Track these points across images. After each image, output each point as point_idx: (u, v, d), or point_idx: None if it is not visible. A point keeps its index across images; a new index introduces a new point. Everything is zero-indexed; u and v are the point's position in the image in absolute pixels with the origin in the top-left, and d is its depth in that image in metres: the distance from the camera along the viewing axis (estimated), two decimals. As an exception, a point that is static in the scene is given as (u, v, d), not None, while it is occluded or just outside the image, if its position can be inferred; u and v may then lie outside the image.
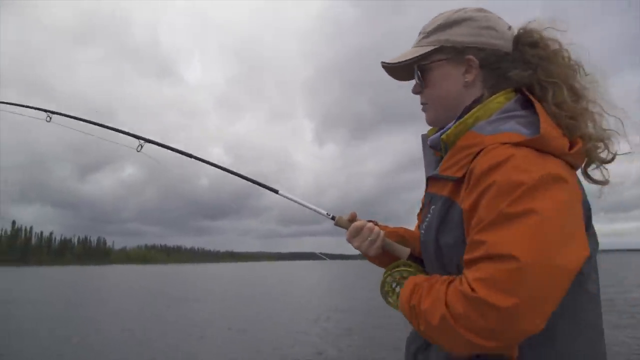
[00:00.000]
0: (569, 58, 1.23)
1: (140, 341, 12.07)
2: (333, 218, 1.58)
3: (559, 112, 1.15)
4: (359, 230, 1.48)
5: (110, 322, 15.75)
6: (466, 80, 1.27)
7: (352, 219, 1.53)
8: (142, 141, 2.08)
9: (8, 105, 2.49)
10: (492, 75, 1.26)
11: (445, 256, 1.17)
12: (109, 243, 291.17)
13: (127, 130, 2.12)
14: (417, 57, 1.32)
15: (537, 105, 1.16)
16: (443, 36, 1.28)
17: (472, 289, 0.96)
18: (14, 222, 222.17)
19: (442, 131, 1.28)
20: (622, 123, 1.20)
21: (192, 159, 2.05)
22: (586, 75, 1.23)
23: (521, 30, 1.28)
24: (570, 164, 1.11)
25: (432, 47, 1.29)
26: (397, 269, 1.38)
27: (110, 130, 2.20)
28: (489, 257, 0.97)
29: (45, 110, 2.34)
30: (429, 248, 1.23)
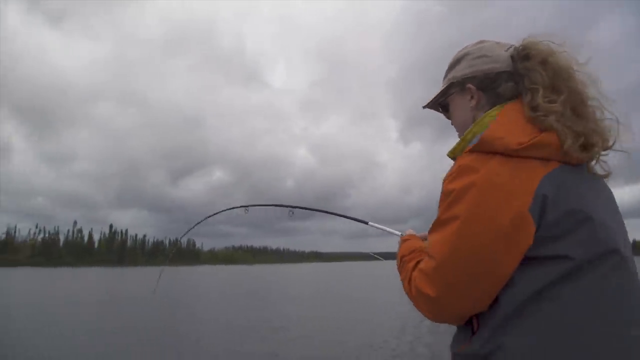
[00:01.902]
0: (558, 63, 1.26)
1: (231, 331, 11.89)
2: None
3: (535, 115, 1.19)
4: None
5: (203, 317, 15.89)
6: (471, 105, 1.40)
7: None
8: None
9: (257, 207, 2.75)
10: (491, 94, 1.37)
11: None
12: (198, 244, 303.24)
13: (353, 216, 2.30)
14: (437, 96, 1.52)
15: (502, 111, 1.27)
16: (451, 74, 1.46)
17: (415, 278, 1.23)
18: (111, 226, 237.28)
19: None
20: (620, 118, 1.23)
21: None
22: (583, 75, 1.26)
23: (518, 47, 1.35)
24: (546, 157, 1.14)
25: (445, 86, 1.48)
26: None
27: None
28: (427, 254, 1.21)
29: (288, 206, 2.60)
30: None
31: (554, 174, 1.13)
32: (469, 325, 1.18)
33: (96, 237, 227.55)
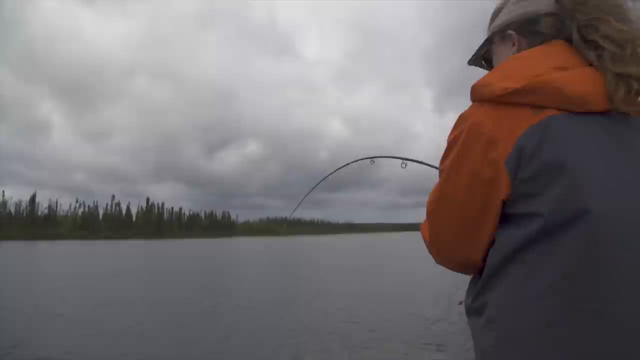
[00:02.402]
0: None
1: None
2: None
3: (586, 53, 1.09)
4: None
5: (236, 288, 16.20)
6: (513, 52, 1.32)
7: None
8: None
9: (383, 158, 2.95)
10: (533, 39, 1.27)
11: None
12: (232, 216, 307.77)
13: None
14: (480, 49, 1.46)
15: (517, 55, 1.22)
16: (492, 25, 1.40)
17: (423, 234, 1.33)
18: (147, 199, 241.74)
19: None
20: None
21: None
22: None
23: None
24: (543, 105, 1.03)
25: (486, 37, 1.43)
26: None
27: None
28: None
29: (402, 158, 2.79)
30: None
31: (544, 123, 1.00)
32: (477, 279, 1.16)
33: (133, 210, 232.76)
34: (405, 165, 2.64)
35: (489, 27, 1.43)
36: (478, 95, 1.10)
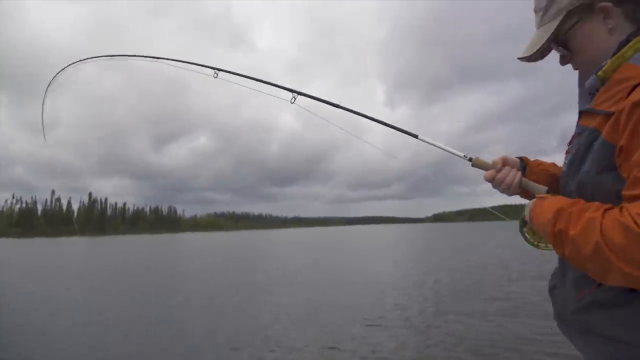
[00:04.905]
0: None
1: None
2: (470, 159, 1.62)
3: None
4: (490, 181, 1.54)
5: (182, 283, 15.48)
6: (610, 27, 1.21)
7: (501, 162, 1.56)
8: (295, 94, 2.18)
9: (179, 63, 2.72)
10: (636, 6, 1.19)
11: (582, 187, 1.18)
12: (179, 212, 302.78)
13: (282, 84, 2.27)
14: (551, 35, 1.30)
15: None
16: (563, 2, 1.25)
17: (637, 223, 0.95)
18: (90, 194, 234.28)
19: (597, 70, 1.22)
20: None
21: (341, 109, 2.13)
22: None
23: None
24: None
25: (559, 18, 1.27)
26: None
27: (266, 85, 2.33)
28: None
29: (213, 68, 2.53)
30: (570, 180, 1.25)
31: None
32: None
33: (75, 206, 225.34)
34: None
35: (547, 5, 1.30)
36: None
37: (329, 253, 32.21)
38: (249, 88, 2.41)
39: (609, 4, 1.19)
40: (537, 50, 1.33)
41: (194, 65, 2.67)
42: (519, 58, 1.40)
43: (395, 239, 57.83)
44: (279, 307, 11.15)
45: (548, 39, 1.30)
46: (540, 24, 1.33)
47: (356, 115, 2.06)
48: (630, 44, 1.16)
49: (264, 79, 2.36)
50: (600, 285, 1.10)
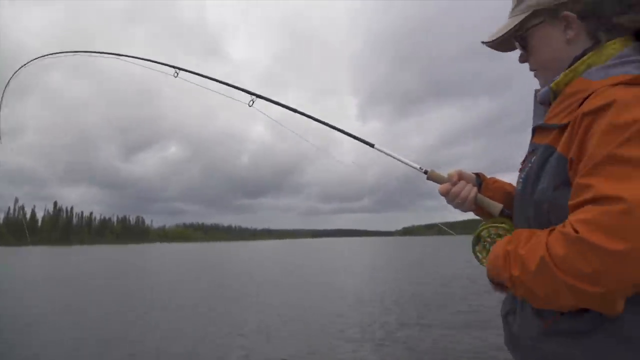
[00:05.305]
0: None
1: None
2: (426, 172, 1.60)
3: None
4: (445, 194, 1.51)
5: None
6: (568, 37, 1.23)
7: (457, 175, 1.52)
8: (254, 97, 2.15)
9: (139, 60, 2.67)
10: (598, 24, 1.19)
11: (539, 205, 1.14)
12: (147, 222, 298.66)
13: (241, 87, 2.23)
14: (512, 28, 1.31)
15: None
16: (532, 0, 1.26)
17: (575, 230, 0.94)
18: (55, 203, 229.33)
19: (551, 82, 1.25)
20: None
21: (299, 115, 2.08)
22: None
23: None
24: None
25: (525, 15, 1.28)
26: (493, 225, 1.39)
27: (225, 86, 2.29)
28: (595, 200, 0.95)
29: (174, 67, 2.50)
30: (525, 198, 1.22)
31: None
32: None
33: (40, 215, 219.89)
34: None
35: (520, 0, 1.32)
36: None
37: (295, 267, 32.06)
38: (209, 89, 2.36)
39: (571, 15, 1.20)
40: (497, 39, 1.36)
41: (155, 64, 2.62)
42: (482, 42, 1.41)
43: (358, 253, 57.95)
44: (243, 322, 11.01)
45: (509, 31, 1.32)
46: (511, 15, 1.34)
47: (328, 128, 2.01)
48: (584, 58, 1.18)
49: (225, 81, 2.32)
50: (563, 313, 1.06)
